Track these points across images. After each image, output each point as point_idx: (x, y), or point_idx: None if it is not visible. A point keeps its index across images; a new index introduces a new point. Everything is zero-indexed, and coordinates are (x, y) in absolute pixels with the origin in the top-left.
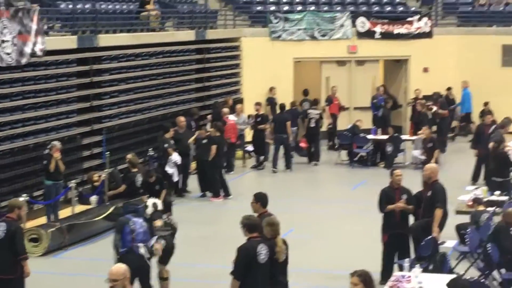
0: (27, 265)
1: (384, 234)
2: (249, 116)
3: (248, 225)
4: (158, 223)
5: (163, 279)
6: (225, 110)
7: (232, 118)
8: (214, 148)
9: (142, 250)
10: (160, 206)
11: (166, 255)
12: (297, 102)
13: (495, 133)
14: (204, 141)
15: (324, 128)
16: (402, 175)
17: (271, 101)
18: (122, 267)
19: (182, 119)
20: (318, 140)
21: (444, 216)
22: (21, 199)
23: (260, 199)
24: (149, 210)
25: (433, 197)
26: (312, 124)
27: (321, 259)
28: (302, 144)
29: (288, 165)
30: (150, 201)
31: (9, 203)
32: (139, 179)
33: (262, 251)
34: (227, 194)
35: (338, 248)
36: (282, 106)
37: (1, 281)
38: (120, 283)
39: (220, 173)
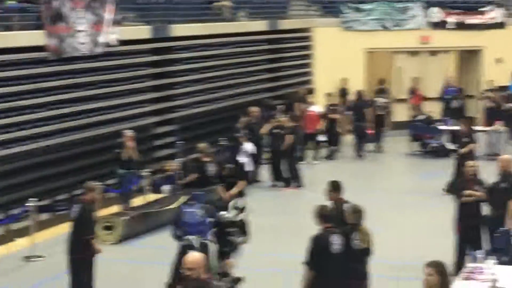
0: (95, 244)
1: (458, 224)
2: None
3: (322, 215)
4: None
5: (224, 274)
6: (309, 100)
7: (314, 109)
8: (289, 138)
9: (194, 242)
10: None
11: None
12: (366, 92)
13: None
14: (277, 130)
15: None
16: (476, 166)
17: (343, 92)
18: (197, 256)
19: (254, 109)
20: (383, 127)
21: None
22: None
23: (337, 187)
24: (232, 213)
25: (507, 188)
26: (380, 112)
27: (392, 250)
28: (369, 131)
29: (360, 154)
30: (233, 212)
31: (85, 185)
32: (211, 168)
33: (335, 242)
34: (299, 185)
35: (409, 239)
36: (359, 94)
37: (73, 261)
38: (196, 272)
39: (294, 163)
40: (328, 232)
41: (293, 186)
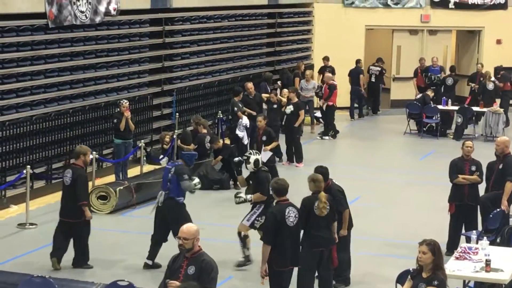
0: (87, 210)
1: (451, 204)
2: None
3: (276, 189)
4: None
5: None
6: (329, 75)
7: (335, 82)
8: (302, 113)
9: (161, 198)
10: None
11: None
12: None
13: None
14: (275, 106)
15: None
16: (473, 146)
17: (331, 70)
18: (193, 227)
19: (250, 85)
20: (379, 94)
21: None
22: (90, 156)
23: (324, 174)
24: (250, 167)
25: (504, 170)
26: (372, 79)
27: (386, 227)
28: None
29: (361, 114)
30: (253, 158)
31: (75, 150)
32: (208, 140)
33: (291, 214)
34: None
35: (404, 217)
36: (357, 61)
37: (68, 224)
38: (190, 242)
39: (299, 140)
40: (283, 206)
41: (299, 162)
